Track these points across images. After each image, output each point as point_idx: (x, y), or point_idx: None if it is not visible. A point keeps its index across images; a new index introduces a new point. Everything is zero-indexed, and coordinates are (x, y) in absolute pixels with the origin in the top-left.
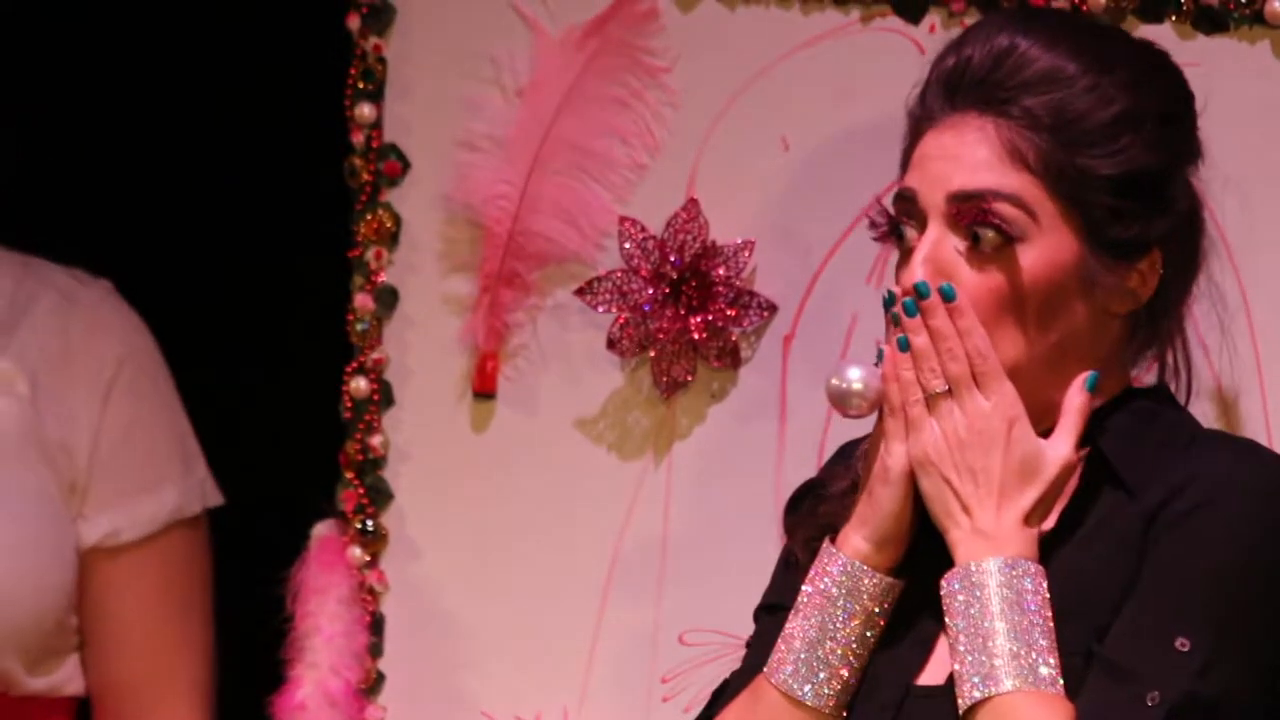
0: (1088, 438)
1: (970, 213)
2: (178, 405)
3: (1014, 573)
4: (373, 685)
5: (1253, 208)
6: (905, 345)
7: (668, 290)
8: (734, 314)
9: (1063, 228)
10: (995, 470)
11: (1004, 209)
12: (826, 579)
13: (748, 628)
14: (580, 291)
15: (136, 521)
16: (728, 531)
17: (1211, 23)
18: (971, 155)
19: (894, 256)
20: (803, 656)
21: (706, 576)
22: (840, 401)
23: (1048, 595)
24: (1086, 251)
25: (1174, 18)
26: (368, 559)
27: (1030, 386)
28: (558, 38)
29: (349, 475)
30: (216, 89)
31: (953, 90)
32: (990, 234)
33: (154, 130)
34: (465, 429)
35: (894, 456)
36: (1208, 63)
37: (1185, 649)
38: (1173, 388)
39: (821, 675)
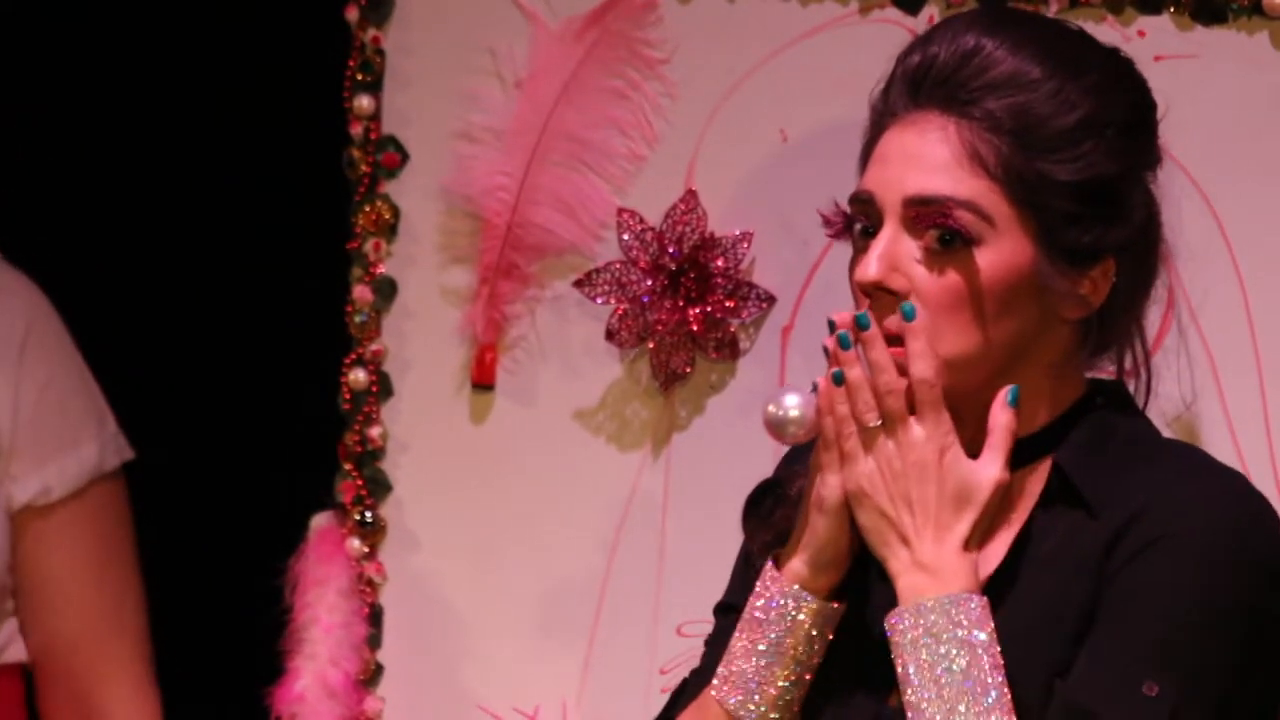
0: (1047, 447)
1: (927, 216)
2: (83, 362)
3: (959, 609)
4: (371, 676)
5: (1250, 199)
6: (840, 379)
7: (666, 282)
8: (732, 305)
9: (1019, 232)
10: (930, 499)
11: (961, 215)
12: (765, 600)
13: None
14: (579, 283)
15: (65, 478)
16: (726, 523)
17: (1210, 14)
18: (931, 156)
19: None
20: (746, 675)
21: (705, 568)
22: (777, 429)
23: (993, 627)
24: (1041, 256)
25: (1172, 9)
26: (366, 550)
27: (981, 387)
28: (556, 29)
29: (347, 466)
30: (215, 81)
31: (916, 87)
32: (946, 236)
33: (153, 123)
34: (464, 420)
35: (829, 488)
36: (1206, 54)
37: (1153, 694)
38: (1131, 388)
39: (759, 696)
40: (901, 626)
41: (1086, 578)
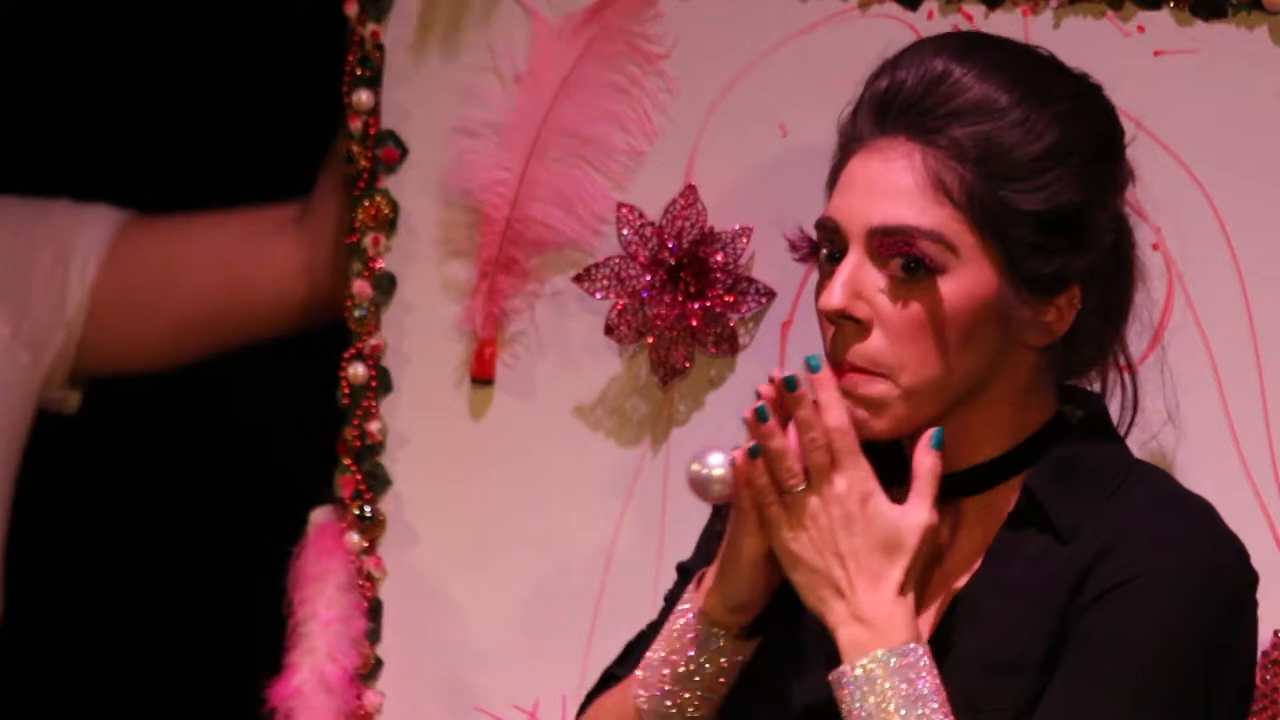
0: (1012, 470)
1: (891, 246)
2: None
3: (903, 661)
4: (370, 671)
5: (1250, 194)
6: (757, 453)
7: (666, 277)
8: (732, 300)
9: (983, 260)
10: (860, 550)
11: (925, 245)
12: (682, 619)
13: None
14: (578, 278)
15: None
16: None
17: (1210, 9)
18: (895, 184)
19: (814, 279)
20: (656, 681)
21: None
22: (701, 488)
23: (938, 674)
24: (1005, 285)
25: (1172, 4)
26: (365, 545)
27: (939, 409)
28: (555, 24)
29: (347, 461)
30: (214, 75)
31: (883, 113)
32: (911, 265)
33: (153, 117)
34: (463, 415)
35: (745, 548)
36: (1206, 48)
37: None
38: (1114, 408)
39: (669, 704)
40: (845, 681)
41: (1054, 606)
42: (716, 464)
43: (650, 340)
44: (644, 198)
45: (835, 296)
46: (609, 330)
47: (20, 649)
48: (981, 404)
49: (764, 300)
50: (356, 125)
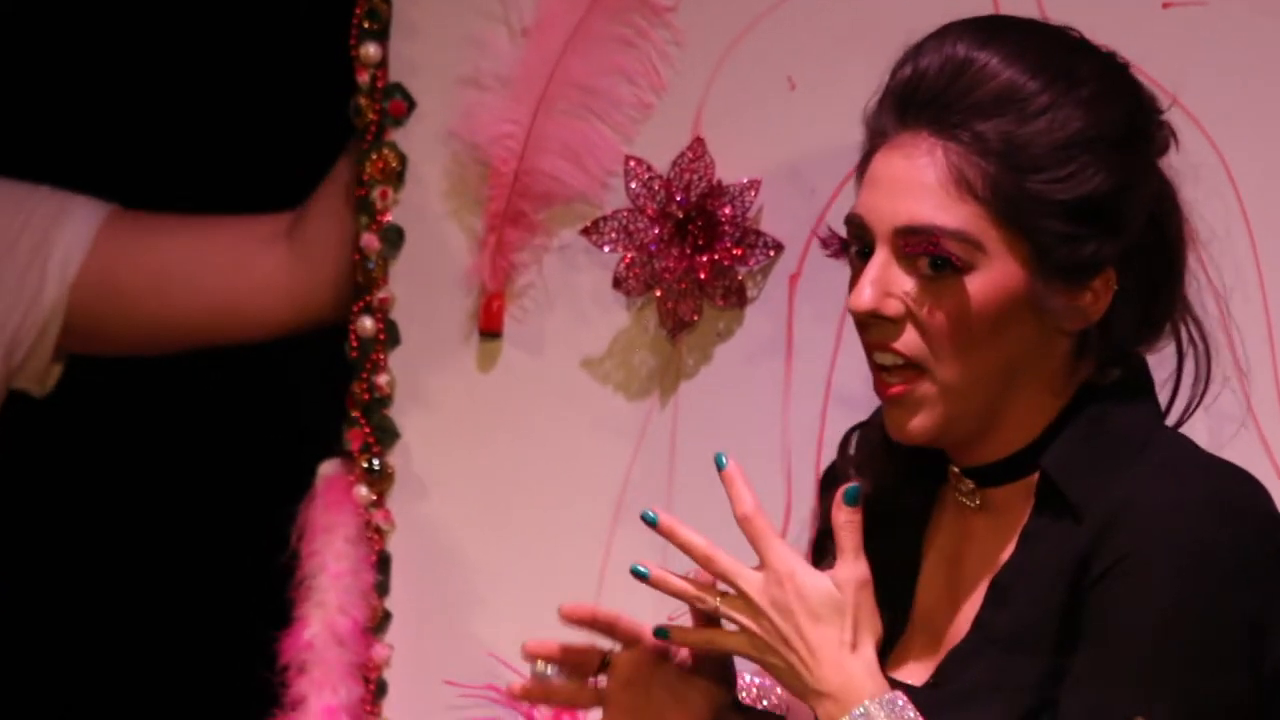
0: (1038, 453)
1: (917, 245)
2: None
3: (871, 716)
4: (379, 623)
5: (1261, 147)
6: (643, 575)
7: (674, 230)
8: (740, 253)
9: (1011, 253)
10: (802, 628)
11: (949, 244)
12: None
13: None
14: (586, 231)
15: None
16: None
17: None
18: (918, 183)
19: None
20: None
21: (712, 516)
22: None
23: (912, 713)
24: (1035, 276)
25: None
26: (374, 498)
27: (979, 405)
28: None
29: (355, 414)
30: (220, 30)
31: (905, 106)
32: (938, 262)
33: (157, 73)
34: (471, 368)
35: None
36: (1216, 0)
37: None
38: (1189, 374)
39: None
40: None
41: (1065, 584)
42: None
43: (658, 293)
44: (652, 151)
45: (865, 297)
46: (617, 283)
47: (30, 602)
48: (1020, 391)
49: (772, 253)
50: (364, 78)
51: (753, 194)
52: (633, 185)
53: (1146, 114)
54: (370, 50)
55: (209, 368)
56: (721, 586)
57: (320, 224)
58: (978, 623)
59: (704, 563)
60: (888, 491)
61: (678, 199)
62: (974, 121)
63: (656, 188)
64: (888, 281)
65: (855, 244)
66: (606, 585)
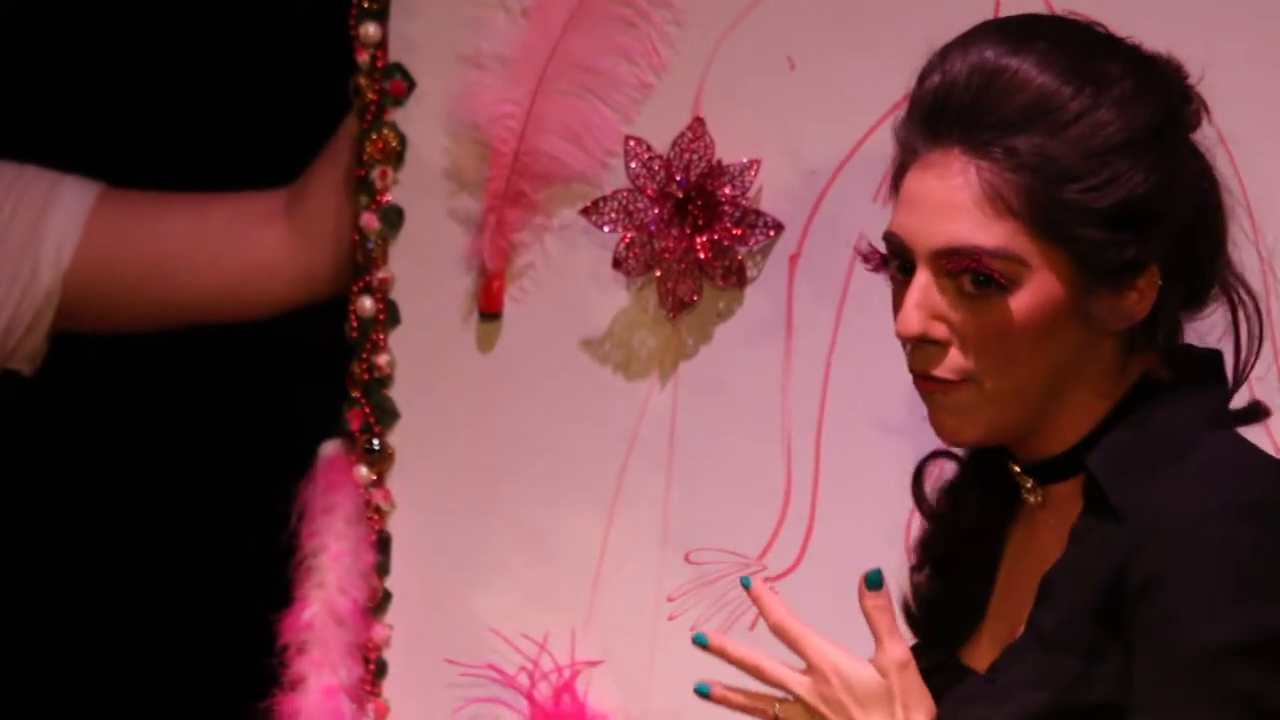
0: (1088, 450)
1: (958, 264)
2: None
3: None
4: (379, 603)
5: (1262, 117)
6: (704, 693)
7: (673, 210)
8: (740, 233)
9: (1053, 264)
10: (856, 718)
11: (991, 263)
12: None
13: (753, 546)
14: (586, 211)
15: None
16: (733, 452)
17: None
18: (954, 203)
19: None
20: None
21: (712, 496)
22: None
23: None
24: (1078, 284)
25: None
26: (374, 478)
27: (1026, 411)
28: None
29: (355, 394)
30: (219, 8)
31: (934, 122)
32: (980, 279)
33: (155, 51)
34: (471, 348)
35: None
36: None
37: None
38: (1243, 347)
39: None
40: None
41: (1101, 589)
42: None
43: (658, 273)
44: (652, 131)
45: (911, 323)
46: (617, 263)
47: (27, 583)
48: (1069, 393)
49: (772, 233)
50: (364, 58)
51: (752, 174)
52: (632, 165)
53: (1178, 99)
54: (370, 30)
55: (208, 347)
56: (777, 692)
57: (319, 201)
58: (1029, 619)
59: (754, 674)
60: (969, 505)
61: (677, 179)
62: (1006, 137)
63: (656, 168)
64: (931, 304)
65: (895, 260)
66: (606, 565)
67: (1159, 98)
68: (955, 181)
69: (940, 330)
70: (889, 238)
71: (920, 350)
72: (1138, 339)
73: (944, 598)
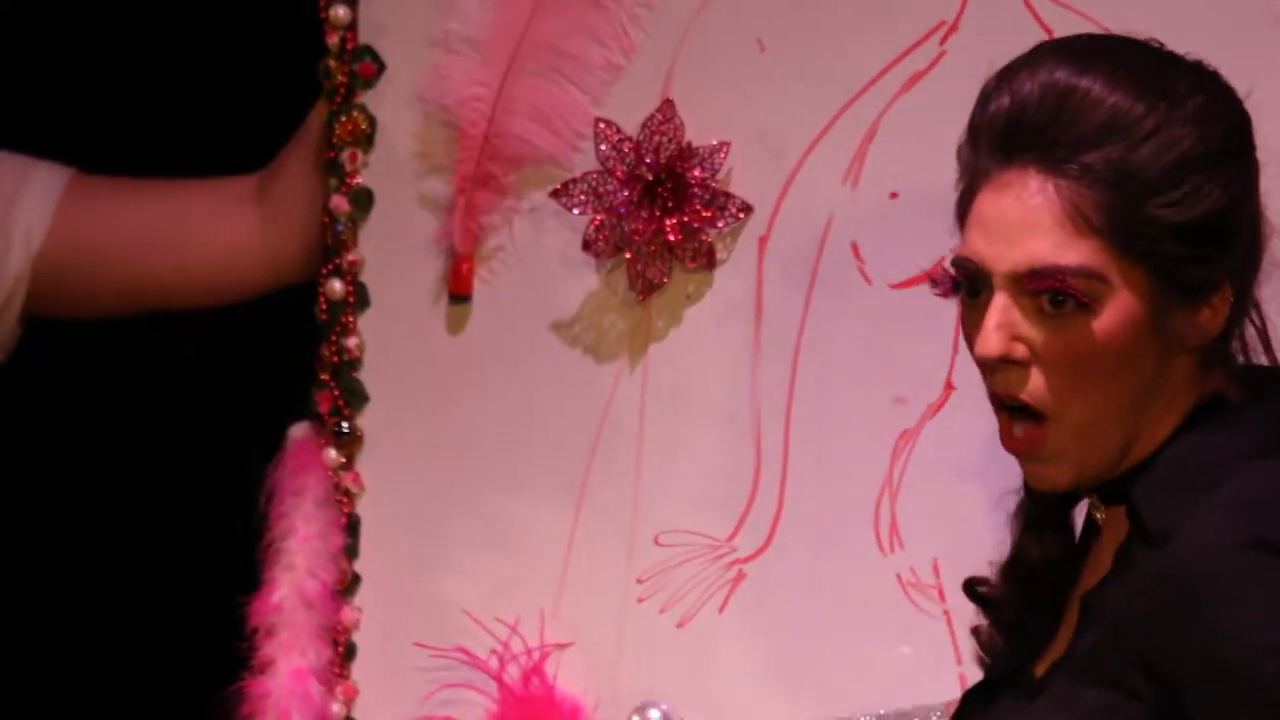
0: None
1: (1040, 285)
2: None
3: None
4: (348, 586)
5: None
6: None
7: (643, 192)
8: (709, 215)
9: (1134, 282)
10: None
11: (1074, 282)
12: None
13: (723, 528)
14: (556, 193)
15: None
16: (703, 434)
17: None
18: (1034, 224)
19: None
20: None
21: (682, 479)
22: None
23: None
24: (1157, 301)
25: None
26: (343, 461)
27: (1114, 440)
28: None
29: (324, 377)
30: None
31: (1009, 143)
32: (1060, 298)
33: (123, 35)
34: (441, 331)
35: None
36: None
37: None
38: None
39: None
40: None
41: (1124, 619)
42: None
43: (628, 255)
44: (621, 113)
45: (992, 344)
46: (586, 246)
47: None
48: (1147, 415)
49: (741, 215)
50: (333, 40)
51: (722, 156)
52: (602, 147)
53: (1246, 121)
54: (339, 12)
55: (177, 330)
56: None
57: (291, 186)
58: (1072, 642)
59: None
60: (1058, 537)
61: (647, 161)
62: (1082, 154)
63: (626, 150)
64: (1011, 324)
65: (966, 284)
66: (576, 548)
67: (1229, 113)
68: (1034, 201)
69: (1021, 351)
70: (963, 263)
71: (1001, 372)
72: (1209, 356)
73: (1026, 611)
